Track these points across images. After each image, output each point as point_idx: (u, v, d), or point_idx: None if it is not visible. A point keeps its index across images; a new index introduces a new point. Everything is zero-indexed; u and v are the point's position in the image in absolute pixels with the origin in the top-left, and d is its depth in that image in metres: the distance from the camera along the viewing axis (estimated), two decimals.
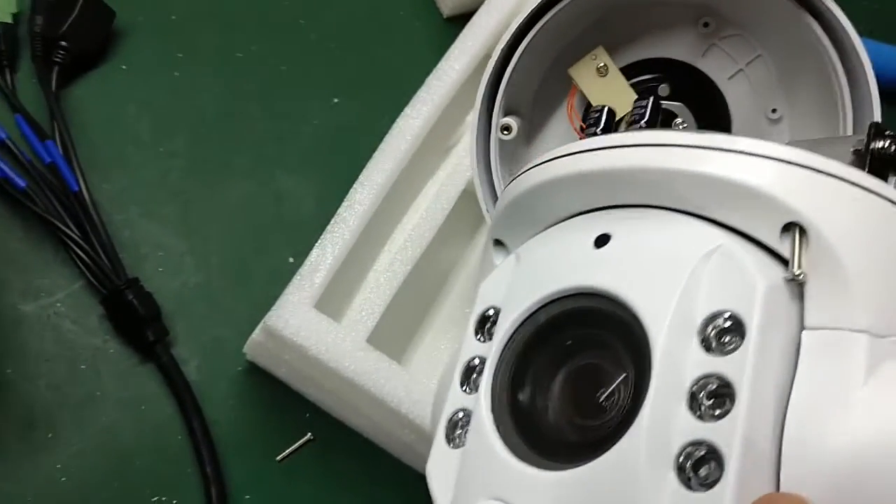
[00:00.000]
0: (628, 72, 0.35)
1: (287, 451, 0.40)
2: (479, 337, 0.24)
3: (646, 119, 0.27)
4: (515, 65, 0.34)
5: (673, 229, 0.22)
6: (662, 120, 0.35)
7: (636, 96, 0.35)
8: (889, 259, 0.21)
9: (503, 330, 0.23)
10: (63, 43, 0.44)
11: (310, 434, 0.40)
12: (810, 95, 0.34)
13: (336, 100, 0.49)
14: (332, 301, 0.37)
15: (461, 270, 0.41)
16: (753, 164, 0.21)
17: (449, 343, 0.39)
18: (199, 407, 0.40)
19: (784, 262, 0.21)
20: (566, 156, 0.25)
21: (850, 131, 0.32)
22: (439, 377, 0.27)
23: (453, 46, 0.44)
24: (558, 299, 0.22)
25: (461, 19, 0.48)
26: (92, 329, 0.41)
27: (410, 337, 0.39)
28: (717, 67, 0.35)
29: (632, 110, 0.28)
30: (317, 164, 0.47)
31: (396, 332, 0.38)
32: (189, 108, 0.47)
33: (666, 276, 0.21)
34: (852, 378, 0.20)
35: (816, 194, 0.21)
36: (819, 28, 0.31)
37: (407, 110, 0.41)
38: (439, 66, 0.43)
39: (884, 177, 0.23)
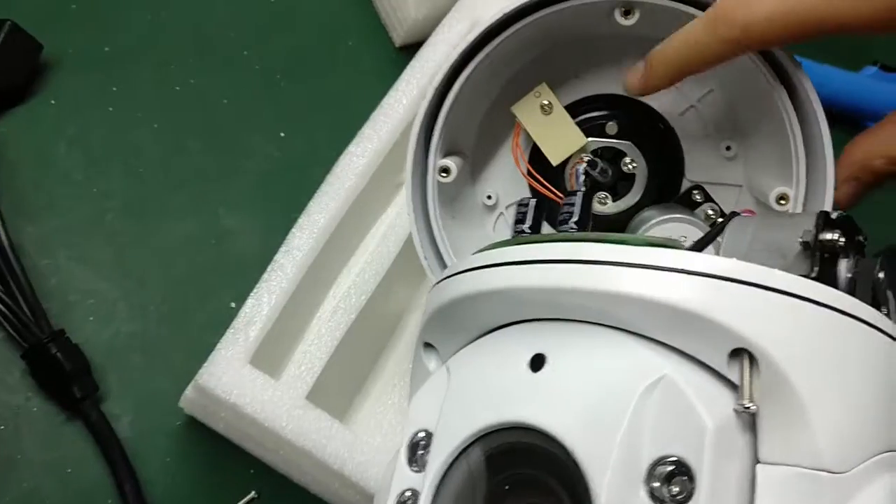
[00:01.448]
0: (575, 109, 0.33)
1: None
2: (412, 466, 0.22)
3: (576, 219, 0.25)
4: (452, 103, 0.31)
5: (612, 354, 0.20)
6: (611, 158, 0.33)
7: (583, 135, 0.33)
8: (846, 380, 0.19)
9: (436, 464, 0.21)
10: None
11: (254, 492, 0.37)
12: (763, 131, 0.32)
13: (282, 134, 0.46)
14: (269, 355, 0.34)
15: (410, 317, 0.38)
16: (687, 283, 0.19)
17: (397, 398, 0.36)
18: (131, 467, 0.36)
19: (734, 385, 0.19)
20: (479, 269, 0.22)
21: (802, 168, 0.30)
22: (375, 495, 0.24)
23: (400, 79, 0.42)
24: (495, 431, 0.20)
25: (414, 49, 0.46)
26: (12, 386, 0.37)
27: (355, 392, 0.37)
28: (667, 103, 0.33)
29: (561, 209, 0.25)
30: (262, 201, 0.44)
31: (339, 388, 0.35)
32: (125, 145, 0.44)
33: (606, 414, 0.19)
34: None
35: (763, 315, 0.19)
36: (762, 62, 0.29)
37: (351, 147, 0.39)
38: (385, 100, 0.41)
39: (834, 268, 0.22)
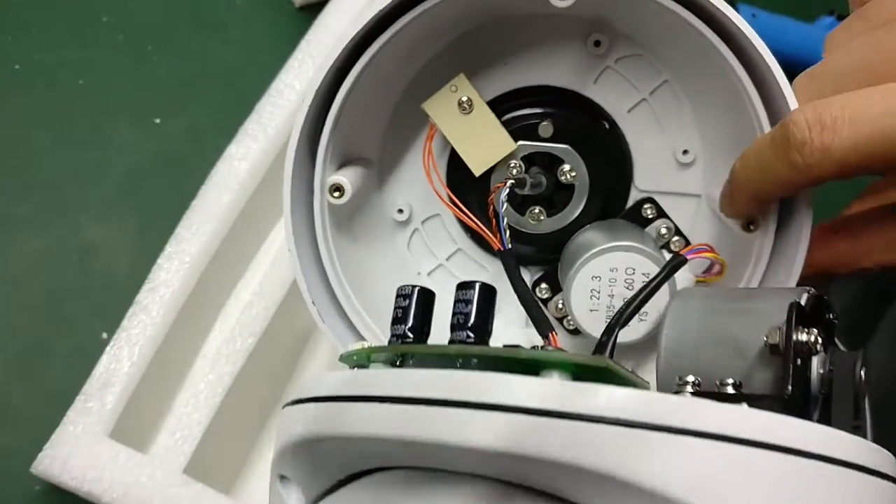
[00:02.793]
0: (501, 104, 0.27)
1: None
2: None
3: (471, 323, 0.17)
4: (345, 101, 0.24)
5: None
6: (546, 165, 0.27)
7: (511, 139, 0.26)
8: None
9: None
10: None
11: None
12: (726, 132, 0.26)
13: (157, 120, 0.39)
14: (134, 424, 0.27)
15: (310, 360, 0.32)
16: (623, 440, 0.13)
17: None
18: None
19: None
20: (331, 400, 0.16)
21: None
22: None
23: (292, 57, 0.34)
24: None
25: (317, 8, 0.38)
26: None
27: (244, 458, 0.30)
28: (613, 97, 0.27)
29: (454, 306, 0.18)
30: (134, 205, 0.37)
31: (225, 455, 0.29)
32: None
33: None
34: None
35: (738, 483, 0.13)
36: (725, 47, 0.23)
37: (231, 149, 0.31)
38: (273, 85, 0.33)
39: (806, 373, 0.16)
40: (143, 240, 0.36)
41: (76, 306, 0.35)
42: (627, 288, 0.24)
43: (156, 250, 0.33)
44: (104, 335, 0.35)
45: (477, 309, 0.17)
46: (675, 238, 0.27)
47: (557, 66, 0.27)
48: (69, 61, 0.38)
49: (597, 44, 0.26)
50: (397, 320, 0.18)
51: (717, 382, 0.16)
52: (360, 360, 0.18)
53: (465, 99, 0.26)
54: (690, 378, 0.16)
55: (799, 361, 0.16)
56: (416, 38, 0.26)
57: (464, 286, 0.18)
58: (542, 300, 0.28)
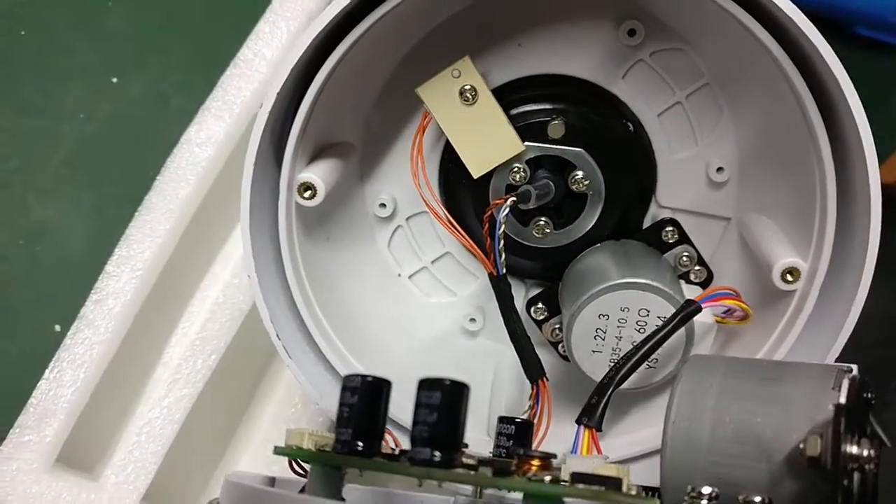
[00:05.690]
0: (508, 94, 0.22)
1: None
2: None
3: (436, 436, 0.14)
4: (325, 84, 0.20)
5: None
6: (556, 169, 0.23)
7: (518, 139, 0.22)
8: None
9: None
10: None
11: None
12: (771, 152, 0.21)
13: (115, 79, 0.34)
14: (79, 459, 0.24)
15: (279, 377, 0.28)
16: None
17: None
18: None
19: None
20: None
21: (831, 228, 0.20)
22: None
23: (262, 20, 0.29)
24: None
25: None
26: None
27: (204, 484, 0.27)
28: (642, 96, 0.22)
29: (415, 412, 0.13)
30: (88, 178, 0.33)
31: (186, 483, 0.25)
32: None
33: None
34: None
35: None
36: (783, 53, 0.19)
37: (190, 132, 0.27)
38: (240, 53, 0.28)
39: (851, 492, 0.13)
40: (101, 219, 0.33)
41: (24, 297, 0.32)
42: (639, 331, 0.21)
43: (115, 231, 0.28)
44: (57, 328, 0.31)
45: (443, 418, 0.14)
46: (697, 267, 0.23)
47: (581, 53, 0.22)
48: (5, 8, 0.33)
49: (631, 33, 0.22)
50: (343, 421, 0.15)
51: (741, 500, 0.13)
52: (299, 457, 0.15)
53: (468, 87, 0.21)
54: (706, 490, 0.13)
55: (846, 482, 0.13)
56: (410, 16, 0.21)
57: (427, 385, 0.14)
58: (536, 321, 0.25)
